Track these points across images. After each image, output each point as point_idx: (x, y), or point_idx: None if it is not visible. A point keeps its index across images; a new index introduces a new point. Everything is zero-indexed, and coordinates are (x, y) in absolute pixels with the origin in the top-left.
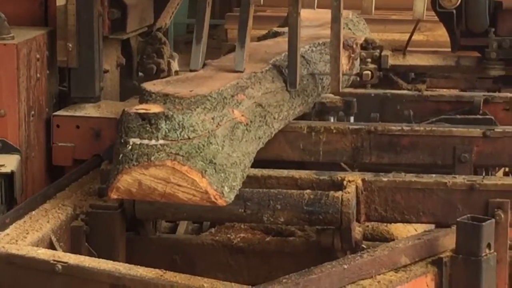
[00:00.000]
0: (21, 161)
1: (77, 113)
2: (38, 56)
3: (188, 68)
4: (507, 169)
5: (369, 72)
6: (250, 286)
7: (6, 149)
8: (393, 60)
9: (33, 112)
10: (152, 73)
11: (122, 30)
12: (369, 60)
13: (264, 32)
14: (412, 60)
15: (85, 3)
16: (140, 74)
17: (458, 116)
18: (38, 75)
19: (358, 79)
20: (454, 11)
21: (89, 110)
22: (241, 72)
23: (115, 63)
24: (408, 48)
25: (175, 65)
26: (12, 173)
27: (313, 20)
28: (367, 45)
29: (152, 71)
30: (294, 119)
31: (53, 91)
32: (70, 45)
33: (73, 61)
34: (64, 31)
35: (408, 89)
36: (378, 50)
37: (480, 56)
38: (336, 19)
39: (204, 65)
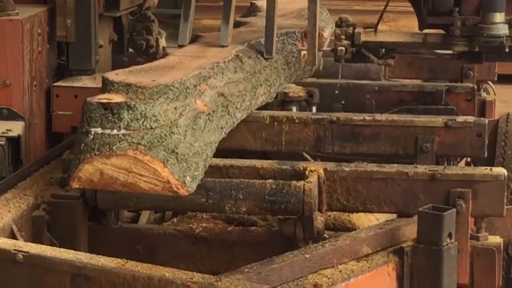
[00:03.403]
0: (25, 127)
1: (75, 84)
2: (39, 31)
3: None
4: (468, 159)
5: (343, 48)
6: (212, 276)
7: (11, 116)
8: (365, 37)
9: (35, 83)
10: (142, 49)
11: (115, 8)
12: (343, 37)
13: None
14: (383, 37)
15: None
16: (130, 50)
17: (420, 106)
18: (40, 48)
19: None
20: None
21: (85, 82)
22: (226, 46)
23: (108, 39)
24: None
25: (162, 42)
26: (19, 137)
27: None
28: (341, 23)
29: (141, 47)
30: (256, 109)
31: (52, 64)
32: (69, 21)
33: (71, 36)
34: (63, 8)
35: (379, 63)
36: (351, 28)
37: (445, 33)
38: None
39: (197, 37)
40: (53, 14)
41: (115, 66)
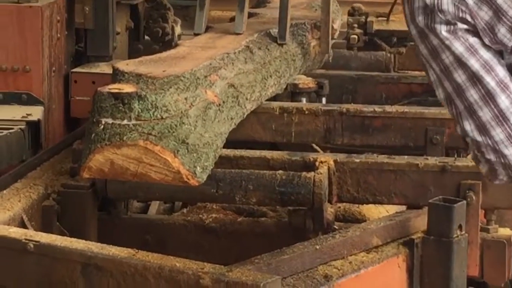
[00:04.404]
0: (44, 112)
1: (93, 70)
2: (58, 18)
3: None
4: None
5: (356, 36)
6: (223, 266)
7: (31, 101)
8: (377, 26)
9: (54, 69)
10: (158, 37)
11: None
12: (355, 25)
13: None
14: (395, 25)
15: None
16: (146, 37)
17: (430, 98)
18: (59, 35)
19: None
20: None
21: (103, 68)
22: (240, 34)
23: (125, 27)
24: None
25: (178, 29)
26: (39, 121)
27: None
28: (354, 11)
29: (157, 34)
30: (266, 100)
31: (70, 50)
32: (87, 8)
33: (90, 23)
34: None
35: (391, 52)
36: (364, 16)
37: None
38: None
39: (207, 28)
40: (72, 1)
41: (131, 53)
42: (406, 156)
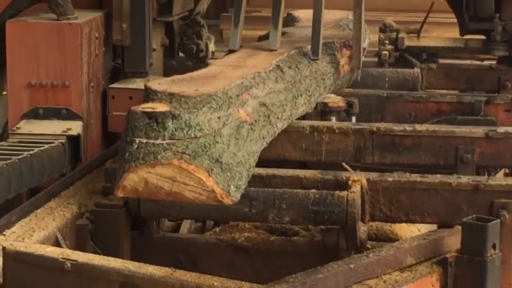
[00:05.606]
0: (83, 127)
1: (130, 86)
2: (96, 34)
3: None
4: (507, 170)
5: (387, 52)
6: (260, 285)
7: (70, 116)
8: (408, 42)
9: (92, 84)
10: (192, 53)
11: (169, 13)
12: (386, 41)
13: (261, 32)
14: (426, 41)
15: None
16: (181, 54)
17: (459, 117)
18: (97, 51)
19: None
20: None
21: (139, 84)
22: (275, 50)
23: (160, 43)
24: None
25: (212, 46)
26: (79, 135)
27: None
28: (385, 28)
29: (192, 51)
30: (296, 119)
31: (108, 66)
32: (124, 25)
33: (127, 39)
34: (119, 13)
35: (422, 68)
36: (395, 33)
37: (485, 39)
38: (358, 4)
39: (240, 47)
40: (110, 19)
41: (166, 69)
42: (438, 175)
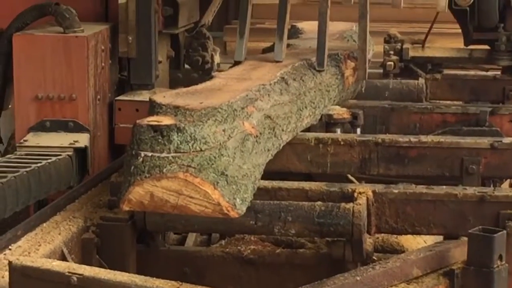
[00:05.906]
0: (90, 139)
1: (136, 98)
2: (103, 47)
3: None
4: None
5: (392, 63)
6: None
7: (77, 129)
8: (413, 52)
9: (99, 97)
10: (198, 65)
11: (174, 26)
12: (391, 52)
13: (264, 44)
14: (431, 52)
15: (143, 1)
16: (186, 66)
17: (465, 128)
18: (103, 64)
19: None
20: (468, 9)
21: (146, 96)
22: (280, 62)
23: (166, 55)
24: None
25: (217, 58)
26: (86, 147)
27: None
28: (389, 39)
29: (197, 63)
30: (301, 131)
31: (114, 78)
32: (130, 38)
33: (133, 52)
34: (125, 26)
35: (427, 78)
36: (400, 43)
37: (490, 49)
38: (363, 16)
39: (244, 59)
40: (116, 31)
41: (171, 82)
42: (444, 186)
